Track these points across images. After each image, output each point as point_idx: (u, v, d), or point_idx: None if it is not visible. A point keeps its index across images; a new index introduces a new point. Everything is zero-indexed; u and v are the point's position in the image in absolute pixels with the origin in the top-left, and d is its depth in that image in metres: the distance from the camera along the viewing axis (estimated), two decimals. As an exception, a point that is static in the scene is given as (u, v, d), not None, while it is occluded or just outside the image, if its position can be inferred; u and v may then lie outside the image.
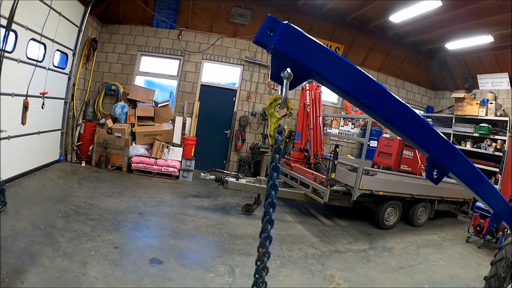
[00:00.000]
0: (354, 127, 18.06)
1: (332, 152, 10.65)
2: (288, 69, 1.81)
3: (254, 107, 16.97)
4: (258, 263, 2.25)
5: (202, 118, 16.36)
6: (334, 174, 10.50)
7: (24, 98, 9.65)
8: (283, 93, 1.86)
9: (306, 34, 1.83)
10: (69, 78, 13.47)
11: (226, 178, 10.90)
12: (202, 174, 11.27)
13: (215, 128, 16.81)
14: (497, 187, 13.72)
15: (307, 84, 12.87)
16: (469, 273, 8.64)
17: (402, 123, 2.19)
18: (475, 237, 11.17)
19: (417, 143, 2.32)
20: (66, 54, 12.98)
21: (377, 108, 2.08)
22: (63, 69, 12.94)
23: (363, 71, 1.95)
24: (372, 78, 2.00)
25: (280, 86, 1.88)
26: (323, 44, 1.86)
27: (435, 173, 2.49)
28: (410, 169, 13.04)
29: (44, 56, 11.08)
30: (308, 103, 12.72)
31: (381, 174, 11.45)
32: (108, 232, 7.75)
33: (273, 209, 1.99)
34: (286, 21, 1.83)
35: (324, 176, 10.80)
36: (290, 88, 1.86)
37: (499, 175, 14.13)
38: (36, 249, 6.26)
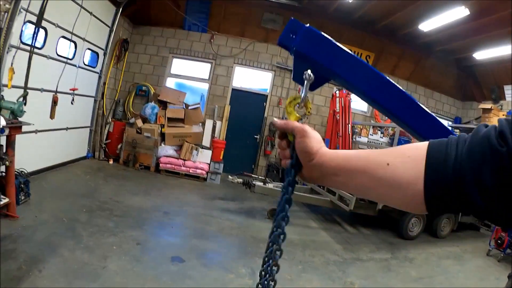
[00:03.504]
0: (383, 136, 17.79)
1: None
2: (309, 71, 1.78)
3: (284, 112, 16.70)
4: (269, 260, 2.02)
5: (232, 122, 16.28)
6: None
7: (54, 93, 9.73)
8: (303, 94, 1.83)
9: (327, 36, 1.86)
10: (100, 77, 13.60)
11: (254, 182, 10.87)
12: (229, 177, 11.24)
13: (245, 133, 16.72)
14: None
15: (337, 91, 12.84)
16: (486, 286, 8.53)
17: (424, 130, 2.11)
18: (496, 250, 10.98)
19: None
20: (97, 53, 13.10)
21: (398, 112, 2.08)
22: (94, 67, 13.07)
23: (389, 78, 1.91)
24: (392, 81, 2.00)
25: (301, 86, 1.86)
26: (343, 46, 1.88)
27: None
28: None
29: (74, 54, 11.20)
30: (338, 111, 12.77)
31: None
32: (131, 229, 7.72)
33: (289, 205, 1.86)
34: (308, 24, 1.86)
35: None
36: (312, 89, 1.86)
37: None
38: (57, 241, 6.25)
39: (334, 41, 1.87)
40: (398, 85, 1.99)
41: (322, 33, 1.86)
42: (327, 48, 1.89)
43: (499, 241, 10.72)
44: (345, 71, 1.92)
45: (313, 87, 1.87)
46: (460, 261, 10.27)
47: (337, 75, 1.93)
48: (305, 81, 1.79)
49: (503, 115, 15.26)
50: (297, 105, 1.85)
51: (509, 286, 4.27)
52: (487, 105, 16.13)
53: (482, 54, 15.94)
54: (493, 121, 15.19)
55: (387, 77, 1.97)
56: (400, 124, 2.26)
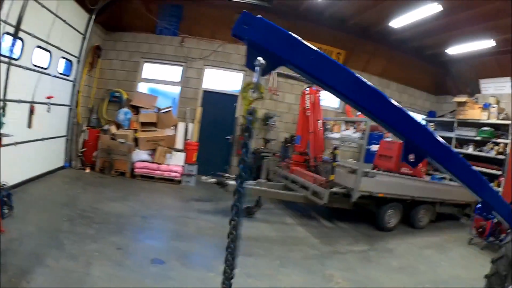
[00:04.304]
0: (356, 131, 17.95)
1: (332, 155, 10.87)
2: (260, 58, 2.06)
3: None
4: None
5: (204, 124, 16.34)
6: (333, 176, 10.72)
7: (30, 104, 9.91)
8: (255, 79, 2.11)
9: (278, 26, 2.09)
10: (74, 85, 13.64)
11: (227, 182, 11.00)
12: (203, 178, 11.38)
13: (217, 134, 16.74)
14: (499, 190, 13.66)
15: (307, 89, 13.05)
16: (471, 274, 8.56)
17: (372, 105, 2.38)
18: (477, 239, 11.14)
19: (391, 126, 2.48)
20: (71, 62, 13.15)
21: (346, 91, 2.30)
22: (68, 76, 13.13)
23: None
24: (342, 65, 2.26)
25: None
26: (293, 34, 2.11)
27: (411, 156, 2.62)
28: (411, 171, 12.97)
29: (49, 63, 11.28)
30: (308, 107, 13.00)
31: (380, 176, 11.65)
32: (112, 235, 7.94)
33: (245, 171, 2.17)
34: (260, 16, 2.11)
35: (324, 178, 11.03)
36: (264, 74, 2.12)
37: (502, 178, 14.08)
38: (42, 251, 6.43)
39: (283, 29, 2.12)
40: (348, 68, 2.27)
41: (273, 23, 2.13)
42: (277, 36, 2.13)
43: (480, 229, 10.90)
44: (296, 57, 2.16)
45: (265, 72, 2.15)
46: (442, 250, 10.50)
47: (288, 61, 2.17)
48: (257, 67, 2.09)
49: (479, 107, 15.70)
50: (251, 90, 2.15)
51: (493, 272, 4.65)
52: (462, 99, 16.35)
53: (456, 49, 16.25)
54: (469, 113, 15.71)
55: (337, 62, 2.24)
56: (352, 104, 2.49)
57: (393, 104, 2.39)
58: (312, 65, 2.18)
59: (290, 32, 2.10)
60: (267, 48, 2.10)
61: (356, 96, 2.31)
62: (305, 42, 2.16)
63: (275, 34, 2.10)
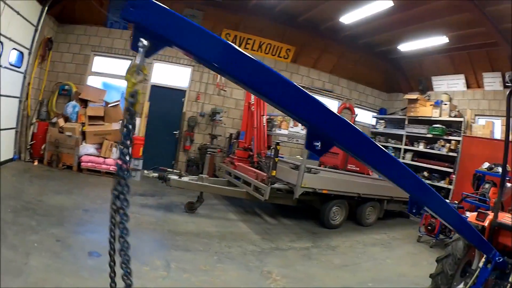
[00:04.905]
0: (303, 128, 18.01)
1: (274, 151, 11.08)
2: (143, 39, 2.08)
3: (203, 108, 17.44)
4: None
5: (152, 119, 16.46)
6: (275, 171, 10.89)
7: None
8: (139, 61, 2.12)
9: (167, 8, 2.13)
10: (24, 77, 13.58)
11: (169, 176, 11.18)
12: (145, 172, 11.49)
13: (164, 129, 17.07)
14: (451, 187, 14.41)
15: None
16: (418, 272, 8.60)
17: (258, 81, 2.30)
18: (427, 236, 11.43)
19: (283, 105, 2.36)
20: (22, 53, 13.11)
21: (234, 71, 2.27)
22: (19, 67, 13.07)
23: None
24: (236, 47, 2.24)
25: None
26: (181, 16, 2.17)
27: (317, 144, 2.42)
28: (358, 168, 13.28)
29: (1, 54, 11.27)
30: (253, 103, 13.27)
31: (324, 172, 11.82)
32: (53, 227, 8.08)
33: (127, 159, 2.12)
34: None
35: (266, 174, 11.16)
36: (148, 56, 2.13)
37: (453, 175, 14.64)
38: (-15, 241, 6.57)
39: (170, 10, 2.13)
40: (239, 49, 2.24)
41: (162, 5, 2.12)
42: (165, 18, 2.13)
43: (429, 227, 11.12)
44: (183, 39, 2.17)
45: (149, 53, 2.12)
46: (388, 248, 10.81)
47: (174, 43, 2.18)
48: (140, 49, 2.08)
49: (430, 105, 16.19)
50: (135, 72, 2.02)
51: (439, 271, 5.09)
52: (413, 96, 16.82)
53: (408, 46, 16.61)
54: (420, 110, 16.18)
55: (229, 43, 2.21)
56: (242, 85, 2.40)
57: (282, 78, 2.28)
58: (203, 48, 2.20)
59: (175, 12, 2.15)
60: (151, 29, 2.10)
61: (250, 80, 2.29)
62: (190, 21, 2.19)
63: (163, 15, 2.13)
